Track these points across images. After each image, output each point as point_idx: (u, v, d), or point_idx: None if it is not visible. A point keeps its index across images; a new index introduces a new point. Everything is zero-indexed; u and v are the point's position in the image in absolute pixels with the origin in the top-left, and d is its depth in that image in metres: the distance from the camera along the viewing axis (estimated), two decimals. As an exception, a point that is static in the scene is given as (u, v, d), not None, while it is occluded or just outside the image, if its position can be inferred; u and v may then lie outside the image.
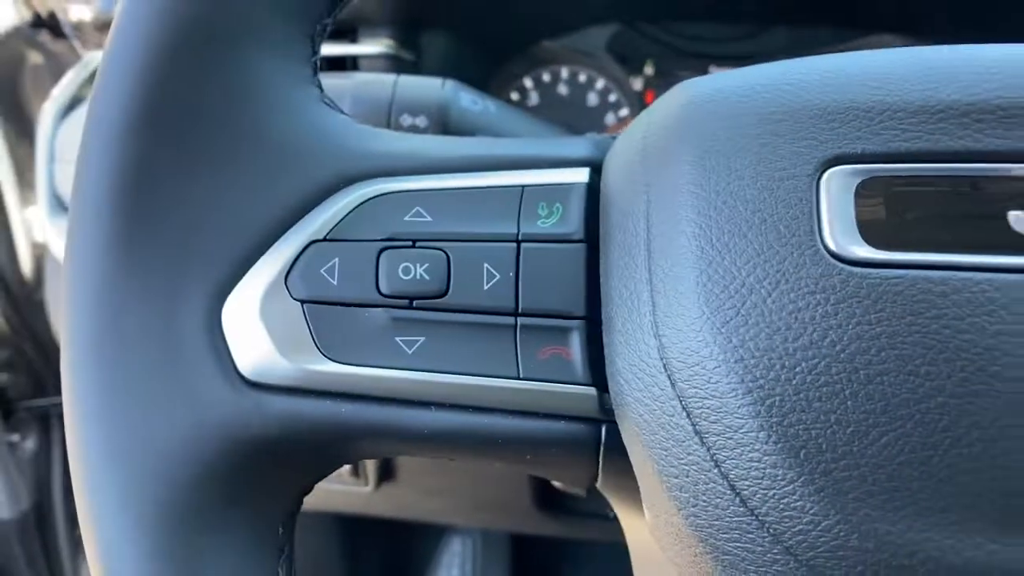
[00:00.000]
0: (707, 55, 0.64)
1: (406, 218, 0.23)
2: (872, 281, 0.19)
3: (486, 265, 0.23)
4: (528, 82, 0.65)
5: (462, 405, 0.22)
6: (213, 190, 0.22)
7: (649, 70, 0.65)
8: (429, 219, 0.23)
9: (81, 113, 0.56)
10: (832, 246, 0.19)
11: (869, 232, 0.19)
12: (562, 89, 0.65)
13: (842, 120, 0.20)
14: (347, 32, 0.53)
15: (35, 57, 0.72)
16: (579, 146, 0.25)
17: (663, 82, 0.65)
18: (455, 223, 0.23)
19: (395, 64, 0.54)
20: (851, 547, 0.18)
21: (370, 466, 0.57)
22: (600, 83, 0.65)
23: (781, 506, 0.18)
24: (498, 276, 0.23)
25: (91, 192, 0.21)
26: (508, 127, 0.38)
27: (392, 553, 0.98)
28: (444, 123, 0.37)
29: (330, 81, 0.40)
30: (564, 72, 0.65)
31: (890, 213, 0.19)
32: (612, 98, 0.65)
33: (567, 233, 0.23)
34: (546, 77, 0.65)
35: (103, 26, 0.57)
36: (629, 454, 0.22)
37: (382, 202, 0.23)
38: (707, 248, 0.20)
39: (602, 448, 0.23)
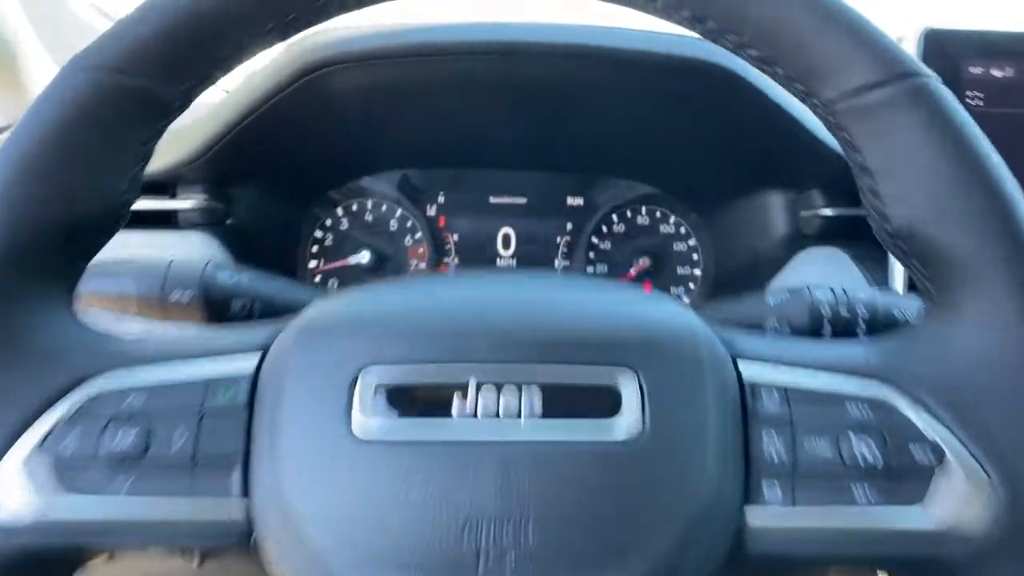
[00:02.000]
0: (486, 189, 0.79)
1: (122, 405, 0.35)
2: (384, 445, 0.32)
3: (177, 431, 0.34)
4: (340, 211, 0.78)
5: (160, 519, 0.34)
6: None
7: (441, 199, 0.79)
8: (139, 405, 0.35)
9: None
10: (357, 414, 0.32)
11: (389, 402, 0.32)
12: (368, 217, 0.78)
13: (373, 343, 0.33)
14: (167, 188, 0.65)
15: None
16: (258, 334, 0.37)
17: (452, 208, 0.79)
18: (157, 404, 0.35)
19: (208, 213, 0.66)
20: None
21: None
22: (399, 211, 0.78)
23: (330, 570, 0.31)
24: (184, 438, 0.34)
25: None
26: (258, 292, 0.50)
27: None
28: (206, 295, 0.49)
29: (124, 256, 0.51)
30: (369, 203, 0.78)
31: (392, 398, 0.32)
32: (409, 224, 0.78)
33: (237, 404, 0.35)
34: (355, 207, 0.78)
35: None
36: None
37: (107, 396, 0.35)
38: (296, 418, 0.32)
39: (254, 534, 0.34)
